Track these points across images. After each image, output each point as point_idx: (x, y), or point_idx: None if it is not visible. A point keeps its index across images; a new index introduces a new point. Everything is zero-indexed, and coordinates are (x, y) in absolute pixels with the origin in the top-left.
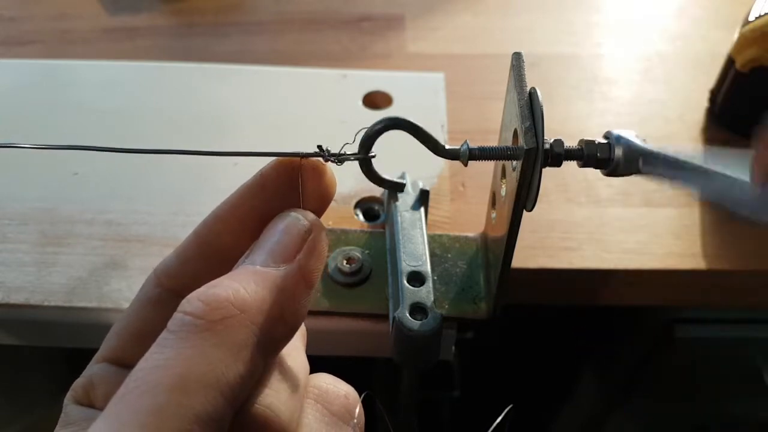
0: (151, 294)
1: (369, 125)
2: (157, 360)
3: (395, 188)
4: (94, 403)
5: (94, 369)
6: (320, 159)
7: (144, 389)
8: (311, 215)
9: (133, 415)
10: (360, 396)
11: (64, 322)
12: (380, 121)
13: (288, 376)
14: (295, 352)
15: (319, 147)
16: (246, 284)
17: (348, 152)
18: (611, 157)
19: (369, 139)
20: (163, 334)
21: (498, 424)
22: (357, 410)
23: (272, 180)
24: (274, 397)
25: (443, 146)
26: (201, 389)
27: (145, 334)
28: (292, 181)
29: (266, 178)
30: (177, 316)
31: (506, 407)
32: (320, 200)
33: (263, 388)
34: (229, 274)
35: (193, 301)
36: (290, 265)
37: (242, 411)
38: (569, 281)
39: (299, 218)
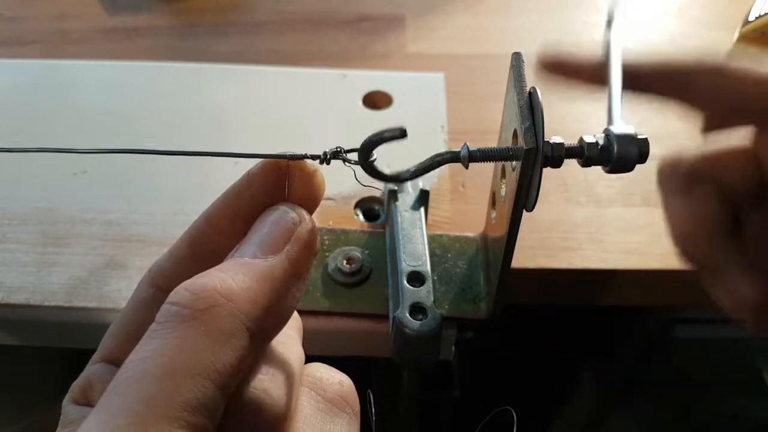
0: (145, 294)
1: (369, 127)
2: (146, 351)
3: (397, 180)
4: (91, 403)
5: (91, 369)
6: (309, 160)
7: (133, 380)
8: (300, 208)
9: (123, 405)
10: (365, 392)
11: (64, 322)
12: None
13: (282, 363)
14: (289, 341)
15: (325, 153)
16: (234, 274)
17: (348, 156)
18: (611, 154)
19: (369, 146)
20: (152, 326)
21: (494, 425)
22: (352, 397)
23: (259, 180)
24: (269, 383)
25: (443, 157)
26: (189, 377)
27: (140, 334)
28: (280, 182)
29: (253, 179)
30: (164, 307)
31: (506, 407)
32: (308, 201)
33: (258, 375)
34: (218, 266)
35: (180, 291)
36: (278, 255)
37: (237, 397)
38: (569, 281)
39: (287, 211)
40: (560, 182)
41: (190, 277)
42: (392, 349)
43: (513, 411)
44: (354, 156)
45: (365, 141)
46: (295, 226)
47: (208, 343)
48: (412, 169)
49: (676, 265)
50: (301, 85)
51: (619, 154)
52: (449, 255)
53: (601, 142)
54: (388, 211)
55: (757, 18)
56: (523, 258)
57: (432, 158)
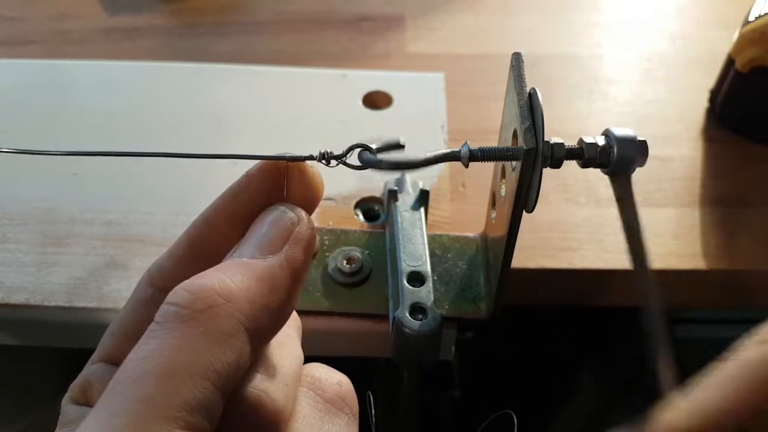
0: (144, 294)
1: (369, 127)
2: (145, 351)
3: (394, 147)
4: (90, 402)
5: (90, 369)
6: (307, 161)
7: (132, 379)
8: (298, 208)
9: (122, 405)
10: (364, 393)
11: (64, 322)
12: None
13: (282, 363)
14: (288, 341)
15: (322, 153)
16: (232, 275)
17: (348, 156)
18: (611, 155)
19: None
20: (151, 326)
21: (494, 427)
22: (350, 397)
23: (258, 181)
24: (268, 382)
25: (443, 155)
26: (188, 377)
27: (139, 334)
28: (278, 183)
29: (252, 180)
30: (163, 307)
31: (506, 408)
32: (307, 202)
33: (256, 374)
34: (216, 266)
35: (179, 291)
36: (277, 255)
37: (236, 396)
38: (569, 281)
39: (286, 211)
40: (560, 182)
41: (189, 277)
42: (392, 349)
43: (513, 414)
44: (354, 154)
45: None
46: (293, 226)
47: (206, 343)
48: (422, 157)
49: (676, 265)
50: (301, 85)
51: (618, 157)
52: (449, 255)
53: (601, 143)
54: (388, 211)
55: (757, 18)
56: (523, 258)
57: (436, 154)
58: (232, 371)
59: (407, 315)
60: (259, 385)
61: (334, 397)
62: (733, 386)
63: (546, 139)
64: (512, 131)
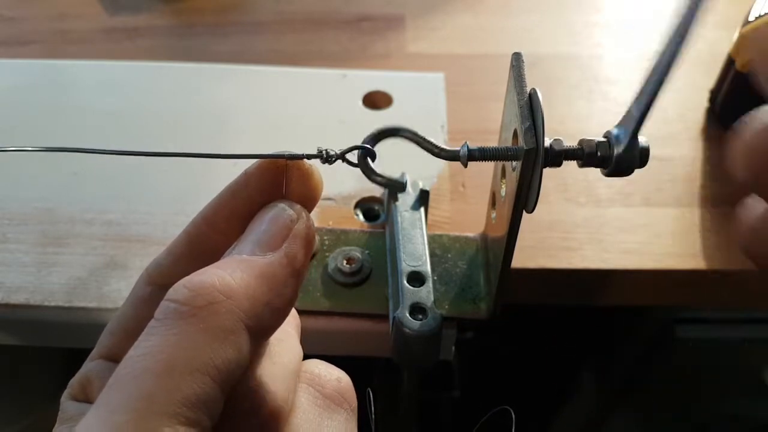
0: (143, 292)
1: (368, 127)
2: (145, 347)
3: (395, 188)
4: (90, 399)
5: (89, 366)
6: (306, 160)
7: (132, 376)
8: (297, 205)
9: (122, 402)
10: (364, 392)
11: (64, 322)
12: (377, 131)
13: (281, 359)
14: (287, 338)
15: (320, 151)
16: (232, 271)
17: (348, 154)
18: (611, 156)
19: (368, 143)
20: (151, 323)
21: (493, 424)
22: (349, 393)
23: (256, 180)
24: (267, 378)
25: (442, 149)
26: (188, 373)
27: (138, 331)
28: (277, 181)
29: (250, 178)
30: (163, 303)
31: (504, 407)
32: (306, 200)
33: (257, 370)
34: (216, 263)
35: (179, 288)
36: (276, 252)
37: (236, 392)
38: (569, 281)
39: (285, 208)
40: (560, 182)
41: (188, 274)
42: (392, 349)
43: (511, 411)
44: (354, 154)
45: (363, 141)
46: (293, 223)
47: (206, 339)
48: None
49: (676, 265)
50: (301, 85)
51: (619, 158)
52: (449, 255)
53: (601, 145)
54: (388, 211)
55: (757, 18)
56: (523, 258)
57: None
58: (232, 367)
59: (407, 315)
60: (259, 381)
61: (333, 393)
62: None
63: (546, 139)
64: (512, 131)
